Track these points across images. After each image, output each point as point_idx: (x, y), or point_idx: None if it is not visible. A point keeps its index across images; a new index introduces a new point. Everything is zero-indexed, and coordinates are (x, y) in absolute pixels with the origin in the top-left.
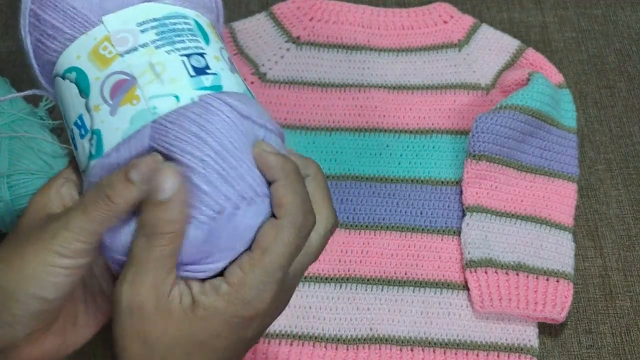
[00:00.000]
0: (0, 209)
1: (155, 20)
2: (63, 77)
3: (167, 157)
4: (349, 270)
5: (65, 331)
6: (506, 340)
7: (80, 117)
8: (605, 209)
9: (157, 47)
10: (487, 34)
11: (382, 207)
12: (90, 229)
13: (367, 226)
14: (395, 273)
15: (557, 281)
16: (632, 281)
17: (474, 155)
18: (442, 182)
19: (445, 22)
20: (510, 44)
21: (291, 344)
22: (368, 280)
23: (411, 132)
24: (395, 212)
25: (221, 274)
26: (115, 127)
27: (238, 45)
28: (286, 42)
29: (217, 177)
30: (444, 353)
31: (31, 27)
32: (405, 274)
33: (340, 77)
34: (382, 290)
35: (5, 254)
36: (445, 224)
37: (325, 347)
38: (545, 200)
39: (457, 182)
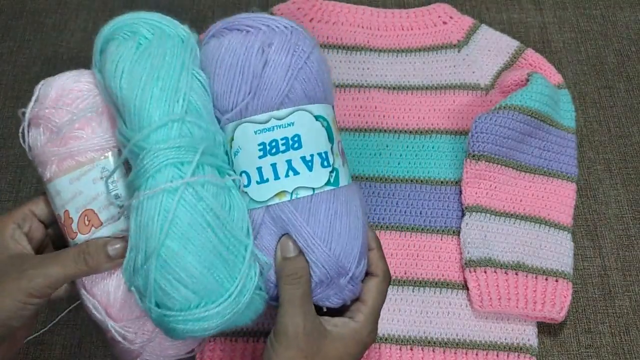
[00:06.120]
0: None
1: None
2: (316, 119)
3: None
4: None
5: (10, 345)
6: (505, 339)
7: (326, 153)
8: (604, 208)
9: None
10: (487, 34)
11: (381, 207)
12: (63, 280)
13: None
14: (394, 272)
15: (556, 281)
16: (631, 281)
17: (473, 156)
18: (442, 182)
19: (444, 22)
20: (510, 44)
21: None
22: None
23: (411, 132)
24: (395, 212)
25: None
26: (345, 173)
27: None
28: None
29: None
30: (443, 352)
31: None
32: (405, 273)
33: (340, 78)
34: None
35: None
36: (445, 223)
37: None
38: (545, 200)
39: (456, 182)
